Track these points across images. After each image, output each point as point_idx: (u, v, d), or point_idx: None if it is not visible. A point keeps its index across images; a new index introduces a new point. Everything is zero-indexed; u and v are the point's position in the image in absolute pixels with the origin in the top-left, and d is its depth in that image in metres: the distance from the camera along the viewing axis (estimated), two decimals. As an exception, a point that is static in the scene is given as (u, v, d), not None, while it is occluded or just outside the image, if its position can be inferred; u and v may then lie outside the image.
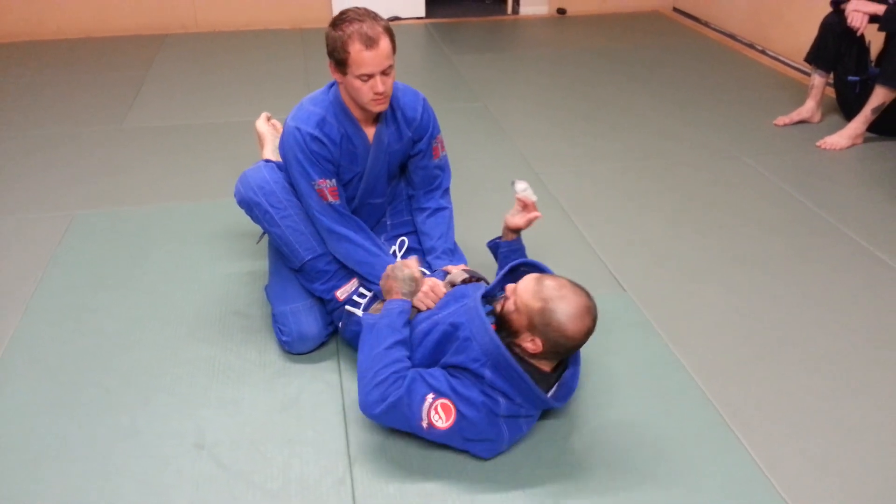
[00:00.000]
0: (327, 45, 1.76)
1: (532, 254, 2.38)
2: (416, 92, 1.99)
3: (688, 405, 1.80)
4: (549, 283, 1.54)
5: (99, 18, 4.79)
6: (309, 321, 1.91)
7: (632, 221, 2.62)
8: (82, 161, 3.05)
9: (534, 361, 1.58)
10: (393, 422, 1.60)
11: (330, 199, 1.86)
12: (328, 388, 1.84)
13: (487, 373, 1.54)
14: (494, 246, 2.04)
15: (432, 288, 1.78)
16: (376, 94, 1.75)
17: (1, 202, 2.72)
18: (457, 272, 1.86)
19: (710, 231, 2.56)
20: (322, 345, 1.97)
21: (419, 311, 1.77)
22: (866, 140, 3.23)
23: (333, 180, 1.87)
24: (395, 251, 2.03)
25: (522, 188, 1.88)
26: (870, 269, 2.34)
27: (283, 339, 1.93)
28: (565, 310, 1.49)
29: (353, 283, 1.92)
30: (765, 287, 2.26)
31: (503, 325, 1.59)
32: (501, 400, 1.55)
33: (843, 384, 1.87)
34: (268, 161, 2.00)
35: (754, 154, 3.14)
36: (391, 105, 1.90)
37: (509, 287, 1.61)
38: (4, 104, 3.64)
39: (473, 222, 2.50)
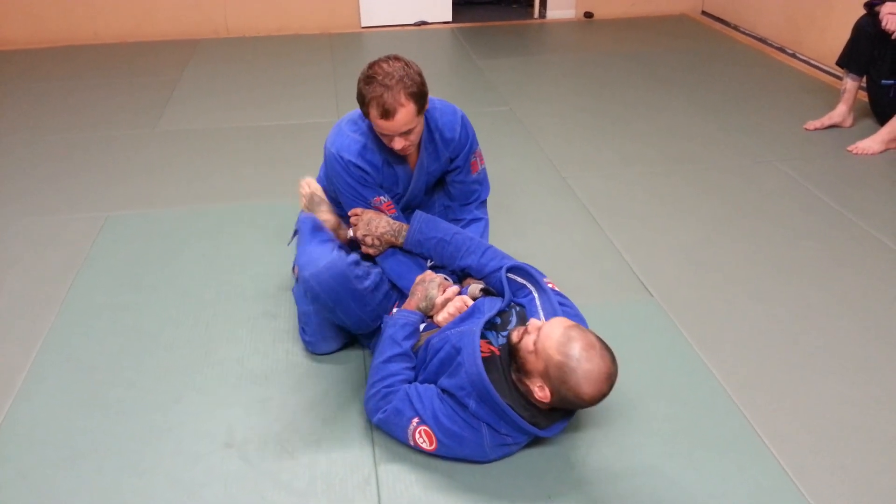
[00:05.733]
0: (356, 94, 1.77)
1: (560, 258, 2.39)
2: (455, 110, 1.98)
3: (717, 413, 1.78)
4: (577, 338, 1.44)
5: (134, 24, 4.89)
6: (332, 322, 1.92)
7: (660, 226, 2.60)
8: (116, 163, 3.12)
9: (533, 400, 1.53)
10: (388, 432, 1.67)
11: (388, 214, 1.92)
12: (354, 389, 1.85)
13: (472, 403, 1.53)
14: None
15: (459, 309, 1.77)
16: (394, 148, 1.79)
17: (37, 203, 2.79)
18: (473, 287, 1.84)
19: (739, 236, 2.54)
20: (346, 346, 1.99)
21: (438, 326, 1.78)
22: (900, 145, 3.18)
23: (386, 195, 1.93)
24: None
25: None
26: (903, 276, 2.30)
27: (306, 339, 1.96)
28: (586, 373, 1.41)
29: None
30: (796, 293, 2.23)
31: (515, 357, 1.54)
32: (485, 430, 1.54)
33: (877, 393, 1.84)
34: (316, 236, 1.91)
35: (785, 158, 3.10)
36: (429, 126, 1.91)
37: (533, 323, 1.54)
38: (42, 107, 3.73)
39: (499, 227, 2.51)
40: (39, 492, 1.58)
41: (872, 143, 3.14)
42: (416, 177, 1.96)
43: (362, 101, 1.75)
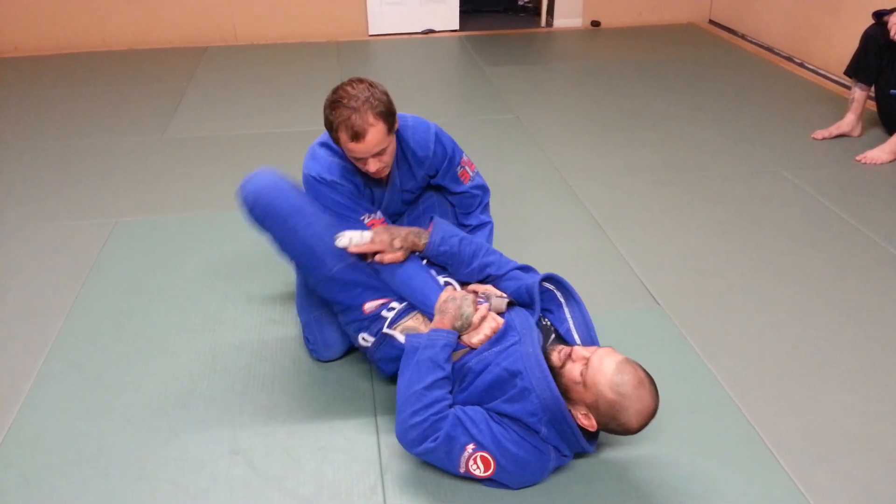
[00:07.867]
0: (324, 121, 1.75)
1: (565, 266, 2.38)
2: (429, 126, 1.95)
3: (722, 421, 1.77)
4: (628, 376, 1.43)
5: (142, 31, 4.92)
6: (332, 329, 1.92)
7: (666, 235, 2.60)
8: (124, 170, 3.13)
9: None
10: (429, 461, 1.58)
11: None
12: (360, 397, 1.85)
13: (543, 429, 1.51)
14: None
15: (494, 330, 1.69)
16: (369, 171, 1.77)
17: (45, 209, 2.80)
18: (497, 301, 1.75)
19: (746, 245, 2.53)
20: (350, 352, 1.99)
21: (470, 347, 1.69)
22: (909, 154, 3.16)
23: (378, 212, 1.89)
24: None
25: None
26: (912, 286, 2.29)
27: (310, 346, 1.97)
28: (638, 412, 1.44)
29: (382, 301, 1.78)
30: (802, 303, 2.22)
31: (556, 382, 1.51)
32: (553, 454, 1.54)
33: (883, 403, 1.83)
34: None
35: (792, 168, 3.10)
36: (401, 146, 1.90)
37: (579, 353, 1.51)
38: (51, 114, 3.76)
39: (504, 234, 2.51)
40: (45, 497, 1.58)
41: (881, 153, 3.13)
42: (388, 197, 1.95)
43: (330, 126, 1.71)
